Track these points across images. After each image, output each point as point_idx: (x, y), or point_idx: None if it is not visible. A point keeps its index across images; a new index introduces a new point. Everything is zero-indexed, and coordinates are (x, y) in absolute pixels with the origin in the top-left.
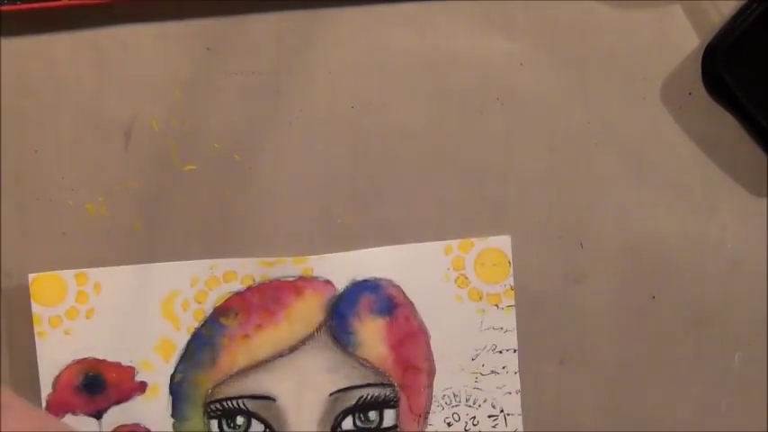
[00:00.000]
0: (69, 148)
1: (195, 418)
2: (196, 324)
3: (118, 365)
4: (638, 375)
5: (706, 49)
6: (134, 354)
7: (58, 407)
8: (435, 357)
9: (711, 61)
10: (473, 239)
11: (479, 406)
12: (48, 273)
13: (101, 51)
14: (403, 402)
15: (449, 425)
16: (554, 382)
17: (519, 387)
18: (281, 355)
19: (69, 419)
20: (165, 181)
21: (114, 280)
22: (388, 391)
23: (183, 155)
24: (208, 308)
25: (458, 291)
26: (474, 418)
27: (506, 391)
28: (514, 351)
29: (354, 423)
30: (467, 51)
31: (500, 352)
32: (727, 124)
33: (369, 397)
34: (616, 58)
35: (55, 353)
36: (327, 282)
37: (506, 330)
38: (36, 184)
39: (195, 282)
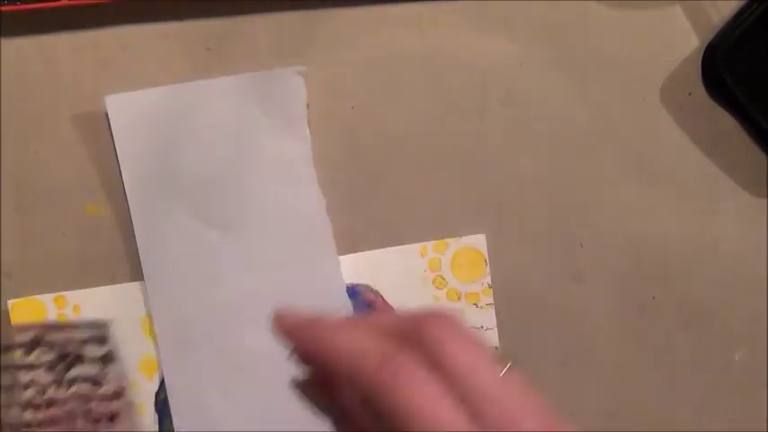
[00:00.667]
0: (69, 148)
1: None
2: None
3: None
4: (638, 375)
5: (706, 49)
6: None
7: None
8: None
9: (711, 61)
10: (448, 240)
11: None
12: (26, 298)
13: (101, 51)
14: None
15: None
16: (554, 383)
17: None
18: None
19: None
20: None
21: (93, 301)
22: None
23: None
24: None
25: (436, 292)
26: None
27: None
28: (496, 349)
29: None
30: (467, 51)
31: None
32: (727, 124)
33: None
34: (616, 58)
35: None
36: None
37: (487, 329)
38: (36, 184)
39: None
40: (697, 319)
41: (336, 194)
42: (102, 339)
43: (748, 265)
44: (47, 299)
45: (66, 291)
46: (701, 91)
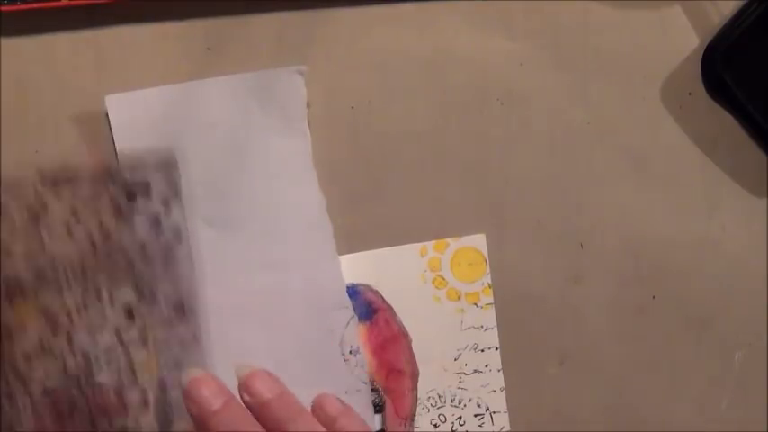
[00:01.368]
0: (69, 148)
1: None
2: None
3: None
4: (638, 375)
5: (706, 49)
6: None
7: None
8: (418, 359)
9: (711, 61)
10: (448, 240)
11: (465, 406)
12: None
13: (101, 51)
14: (388, 406)
15: (435, 426)
16: (554, 383)
17: (503, 384)
18: None
19: None
20: None
21: None
22: (373, 396)
23: None
24: None
25: (436, 292)
26: (460, 418)
27: (491, 389)
28: (496, 349)
29: None
30: (467, 51)
31: (482, 350)
32: (727, 124)
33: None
34: (616, 58)
35: None
36: None
37: (487, 329)
38: None
39: None
40: (697, 319)
41: (337, 194)
42: (168, 168)
43: (748, 265)
44: None
45: None
46: (701, 91)
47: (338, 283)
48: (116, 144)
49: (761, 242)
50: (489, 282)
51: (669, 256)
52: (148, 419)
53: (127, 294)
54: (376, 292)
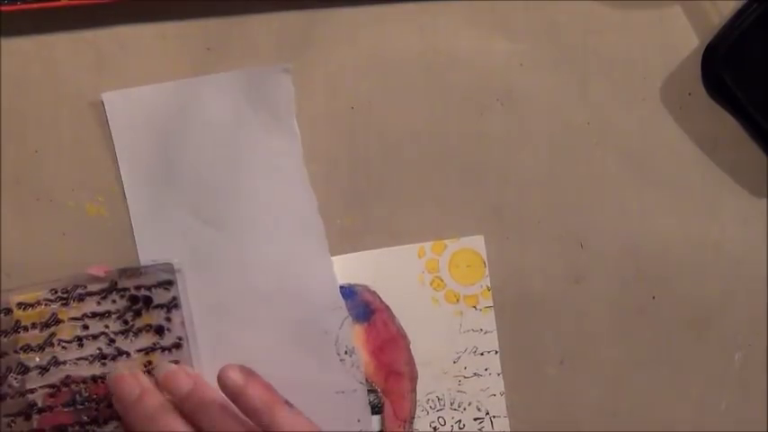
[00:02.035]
0: (69, 148)
1: None
2: None
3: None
4: (638, 375)
5: (706, 49)
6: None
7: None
8: (417, 362)
9: (711, 61)
10: (446, 241)
11: (464, 409)
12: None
13: (101, 51)
14: (387, 408)
15: (435, 429)
16: (554, 383)
17: (503, 389)
18: None
19: None
20: None
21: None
22: (371, 398)
23: None
24: None
25: (434, 293)
26: (459, 421)
27: (490, 393)
28: (496, 353)
29: None
30: (467, 51)
31: (481, 354)
32: (727, 124)
33: None
34: (616, 58)
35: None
36: None
37: (486, 332)
38: (36, 184)
39: None
40: (697, 319)
41: (336, 194)
42: (168, 283)
43: (748, 265)
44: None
45: None
46: (701, 91)
47: (330, 284)
48: (114, 140)
49: (761, 242)
50: (488, 284)
51: (669, 257)
52: None
53: None
54: (374, 293)
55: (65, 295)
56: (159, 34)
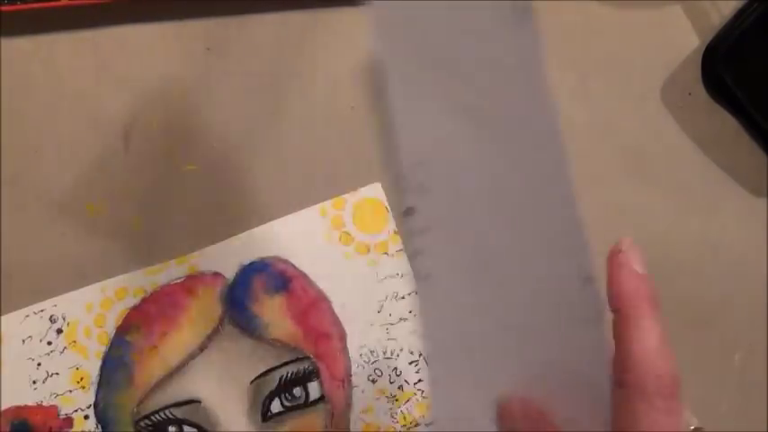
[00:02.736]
0: (69, 148)
1: None
2: (103, 348)
3: (40, 407)
4: None
5: (706, 49)
6: (53, 391)
7: None
8: (342, 320)
9: (711, 61)
10: (344, 196)
11: (397, 356)
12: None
13: (101, 51)
14: (323, 372)
15: (373, 381)
16: None
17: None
18: (192, 356)
19: None
20: (165, 181)
21: (12, 326)
22: (306, 365)
23: (183, 155)
24: (110, 329)
25: (345, 249)
26: (396, 369)
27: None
28: (416, 293)
29: (282, 404)
30: None
31: (402, 298)
32: (727, 124)
33: (289, 375)
34: (616, 58)
35: None
36: (216, 274)
37: (403, 275)
38: (36, 184)
39: (91, 308)
40: (697, 319)
41: (336, 195)
42: None
43: (748, 265)
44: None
45: (65, 291)
46: (701, 91)
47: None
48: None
49: (761, 242)
50: (395, 228)
51: (669, 257)
52: None
53: None
54: (286, 261)
55: None
56: (159, 34)
